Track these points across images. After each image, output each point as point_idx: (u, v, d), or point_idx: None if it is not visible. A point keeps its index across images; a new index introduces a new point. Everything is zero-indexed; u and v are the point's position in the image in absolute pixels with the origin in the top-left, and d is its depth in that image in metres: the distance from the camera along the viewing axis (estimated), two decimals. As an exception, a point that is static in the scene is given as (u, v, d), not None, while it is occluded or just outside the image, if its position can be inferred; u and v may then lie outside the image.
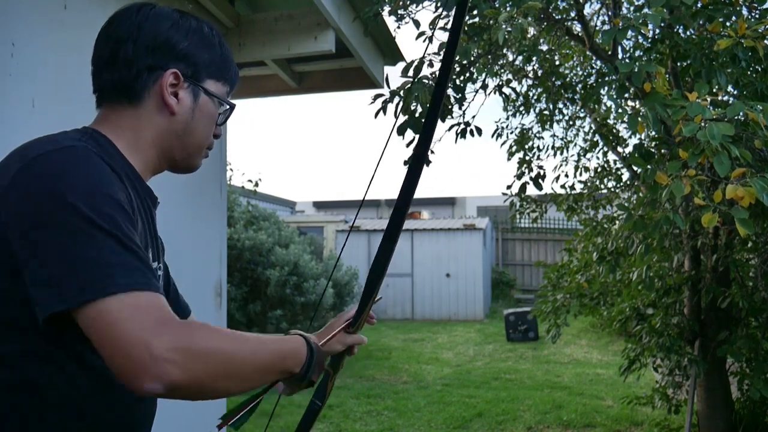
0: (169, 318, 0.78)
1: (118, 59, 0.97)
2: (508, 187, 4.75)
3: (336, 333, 1.17)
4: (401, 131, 3.28)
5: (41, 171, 0.82)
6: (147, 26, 0.98)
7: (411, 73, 3.08)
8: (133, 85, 0.98)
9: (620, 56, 3.10)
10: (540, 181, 4.52)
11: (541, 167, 4.77)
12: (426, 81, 3.11)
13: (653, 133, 2.96)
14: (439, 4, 3.02)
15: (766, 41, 2.31)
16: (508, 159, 4.98)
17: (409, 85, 3.00)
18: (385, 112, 3.17)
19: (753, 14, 2.83)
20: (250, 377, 0.86)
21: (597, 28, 3.66)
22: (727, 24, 2.54)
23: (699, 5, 2.49)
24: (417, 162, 1.11)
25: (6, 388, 0.85)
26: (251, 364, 0.85)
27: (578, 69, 5.02)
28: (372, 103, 3.18)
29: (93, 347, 0.78)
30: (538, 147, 5.16)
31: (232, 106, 1.10)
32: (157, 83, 0.99)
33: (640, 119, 2.34)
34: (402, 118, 3.22)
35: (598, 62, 4.16)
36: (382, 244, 1.11)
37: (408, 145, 3.54)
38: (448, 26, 3.23)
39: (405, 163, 3.60)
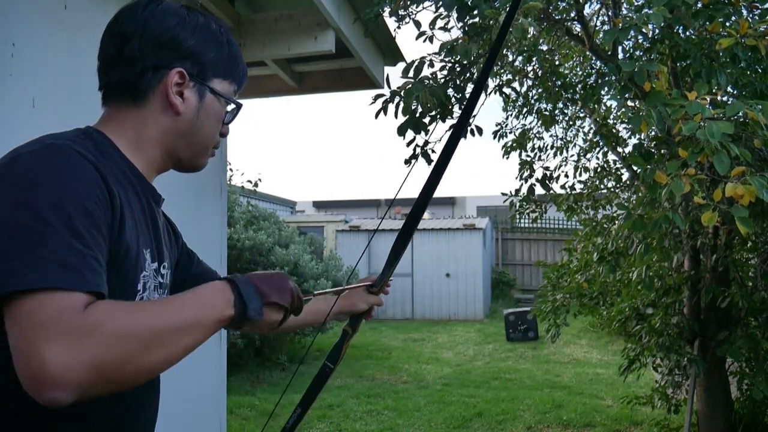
0: (70, 316, 0.71)
1: (124, 57, 0.96)
2: (517, 191, 4.73)
3: (358, 286, 1.30)
4: (401, 131, 3.29)
5: (14, 169, 0.80)
6: (153, 23, 0.96)
7: (411, 73, 3.08)
8: (137, 84, 0.97)
9: (620, 56, 3.10)
10: (547, 182, 4.51)
11: (547, 168, 4.76)
12: (426, 81, 3.11)
13: (654, 132, 2.96)
14: (439, 5, 3.02)
15: (766, 40, 2.31)
16: (503, 157, 4.97)
17: (409, 86, 3.01)
18: (385, 113, 3.17)
19: (753, 14, 2.83)
20: (177, 341, 0.78)
21: (597, 28, 3.67)
22: (728, 24, 2.54)
23: (699, 5, 2.49)
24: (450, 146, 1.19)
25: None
26: (169, 329, 0.77)
27: (578, 69, 5.03)
28: (372, 103, 3.19)
29: None
30: (539, 147, 5.16)
31: (239, 106, 1.08)
32: (162, 82, 0.97)
33: (642, 119, 2.34)
34: (402, 118, 3.22)
35: (598, 62, 4.16)
36: (413, 210, 1.21)
37: (408, 144, 3.54)
38: (449, 26, 3.24)
39: (405, 162, 3.61)
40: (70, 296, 0.72)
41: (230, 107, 1.06)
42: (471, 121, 3.59)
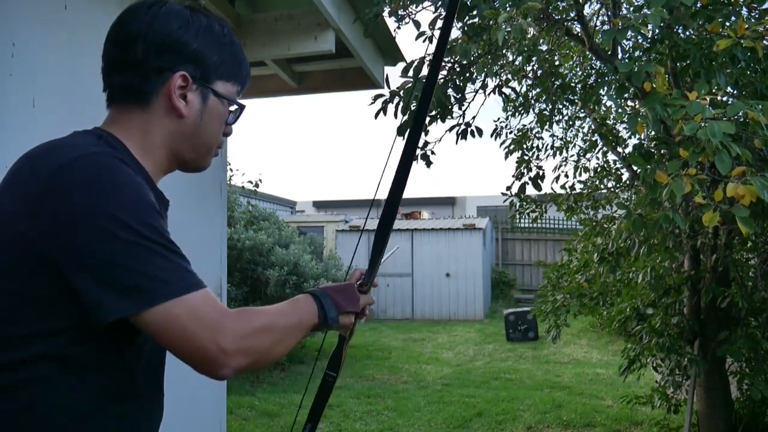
0: (223, 312, 0.89)
1: (127, 60, 0.96)
2: (508, 188, 4.75)
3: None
4: (401, 131, 3.28)
5: (81, 180, 0.84)
6: (157, 25, 0.96)
7: (411, 73, 3.08)
8: (141, 87, 0.97)
9: (620, 56, 3.10)
10: (539, 181, 4.52)
11: (540, 167, 4.77)
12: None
13: (653, 132, 2.96)
14: (438, 5, 3.02)
15: (765, 41, 2.31)
16: (506, 158, 4.98)
17: (408, 85, 3.01)
18: (385, 113, 3.17)
19: (753, 14, 2.83)
20: (288, 340, 0.99)
21: (597, 28, 3.66)
22: (727, 24, 2.54)
23: (699, 5, 2.49)
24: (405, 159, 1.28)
25: (10, 397, 0.85)
26: (286, 330, 0.99)
27: (578, 69, 5.02)
28: (372, 103, 3.19)
29: (108, 360, 0.89)
30: (537, 147, 5.16)
31: (242, 107, 1.09)
32: (166, 85, 0.97)
33: (639, 119, 2.34)
34: (402, 118, 3.22)
35: (598, 62, 4.16)
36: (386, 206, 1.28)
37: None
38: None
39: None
40: (208, 294, 0.89)
41: (233, 108, 1.07)
42: (463, 121, 3.59)
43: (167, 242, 0.87)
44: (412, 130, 1.28)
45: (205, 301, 0.87)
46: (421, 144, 3.54)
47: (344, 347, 1.26)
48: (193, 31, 0.99)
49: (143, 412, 0.99)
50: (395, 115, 3.16)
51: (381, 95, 3.18)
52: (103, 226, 0.82)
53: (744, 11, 2.77)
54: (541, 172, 4.67)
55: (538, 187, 4.48)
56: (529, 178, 4.61)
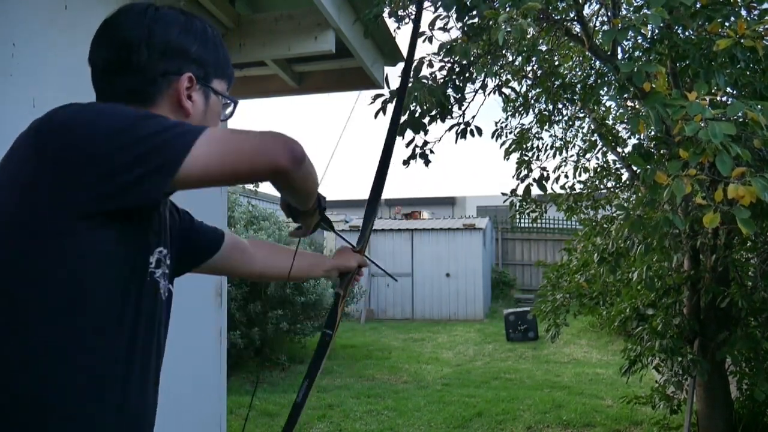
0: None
1: (132, 66, 0.99)
2: (512, 191, 4.74)
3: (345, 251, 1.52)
4: (401, 131, 3.28)
5: (75, 110, 0.89)
6: (158, 31, 1.00)
7: (411, 73, 3.07)
8: (147, 90, 1.00)
9: (620, 57, 3.10)
10: (544, 182, 4.52)
11: (544, 168, 4.77)
12: (425, 81, 3.11)
13: (653, 132, 2.96)
14: (438, 5, 3.02)
15: (765, 41, 2.31)
16: (505, 158, 4.98)
17: (408, 85, 3.00)
18: (384, 113, 3.18)
19: (752, 14, 2.83)
20: (313, 178, 1.03)
21: (596, 28, 3.66)
22: (726, 24, 2.54)
23: (698, 5, 2.49)
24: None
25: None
26: (314, 175, 1.03)
27: (578, 69, 5.02)
28: (372, 103, 3.19)
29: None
30: (537, 147, 5.16)
31: (236, 102, 1.15)
32: (172, 86, 1.01)
33: (640, 119, 2.34)
34: (401, 118, 3.22)
35: (598, 62, 4.15)
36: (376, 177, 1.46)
37: (407, 145, 3.54)
38: (448, 26, 3.24)
39: (404, 163, 3.61)
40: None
41: (227, 104, 1.13)
42: (463, 120, 3.59)
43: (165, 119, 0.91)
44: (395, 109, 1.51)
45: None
46: (420, 143, 3.54)
47: (340, 305, 1.33)
48: (192, 35, 1.04)
49: (131, 414, 0.96)
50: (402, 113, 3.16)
51: (381, 95, 3.19)
52: (103, 128, 0.86)
53: (743, 12, 2.77)
54: (545, 173, 4.67)
55: (543, 189, 4.48)
56: (534, 179, 4.61)
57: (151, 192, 0.86)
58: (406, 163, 3.59)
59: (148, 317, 0.97)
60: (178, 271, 1.20)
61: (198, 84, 1.04)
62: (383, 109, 3.18)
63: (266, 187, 15.05)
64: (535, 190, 4.59)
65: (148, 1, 1.05)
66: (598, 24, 3.64)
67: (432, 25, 3.21)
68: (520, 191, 4.66)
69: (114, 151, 0.84)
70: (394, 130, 1.49)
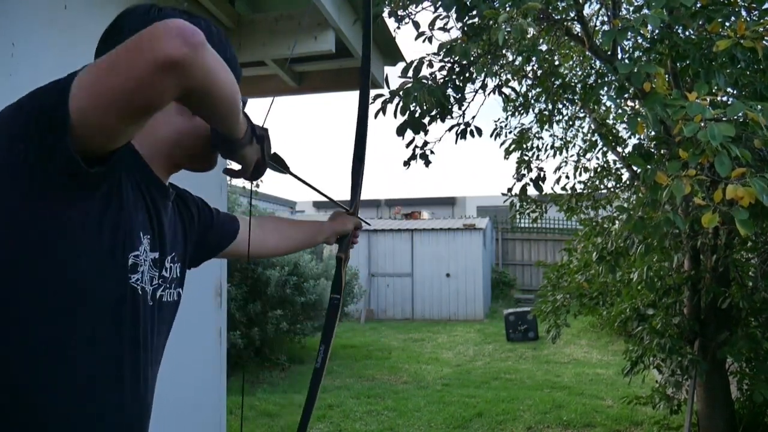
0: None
1: None
2: (509, 189, 4.76)
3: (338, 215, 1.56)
4: (401, 131, 3.29)
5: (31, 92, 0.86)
6: None
7: (410, 73, 3.08)
8: None
9: (620, 57, 3.10)
10: (540, 182, 4.52)
11: (541, 168, 4.77)
12: (425, 81, 3.11)
13: (653, 133, 2.96)
14: (438, 5, 3.02)
15: (765, 42, 2.31)
16: (505, 158, 4.99)
17: (408, 86, 3.00)
18: (384, 113, 3.18)
19: (752, 15, 2.83)
20: (221, 77, 0.83)
21: (596, 28, 3.66)
22: (727, 24, 2.54)
23: (698, 6, 2.49)
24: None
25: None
26: (225, 75, 0.84)
27: (578, 69, 5.03)
28: (372, 103, 3.18)
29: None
30: (537, 147, 5.16)
31: (245, 101, 1.11)
32: None
33: (639, 119, 2.34)
34: (402, 118, 3.22)
35: (598, 62, 4.16)
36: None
37: (408, 146, 3.54)
38: (447, 26, 3.24)
39: (405, 164, 3.61)
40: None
41: None
42: (463, 121, 3.59)
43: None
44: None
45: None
46: (420, 143, 3.54)
47: (342, 269, 1.38)
48: None
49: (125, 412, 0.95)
50: (395, 115, 3.16)
51: (380, 95, 3.19)
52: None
53: (743, 12, 2.77)
54: (542, 174, 4.68)
55: (539, 189, 4.49)
56: (531, 179, 4.61)
57: (56, 152, 0.77)
58: (406, 164, 3.59)
59: (145, 320, 0.96)
60: (195, 261, 1.24)
61: None
62: (383, 109, 3.18)
63: (266, 188, 15.06)
64: (534, 190, 4.60)
65: (151, 3, 1.04)
66: (598, 24, 3.65)
67: (432, 25, 3.21)
68: (516, 190, 4.66)
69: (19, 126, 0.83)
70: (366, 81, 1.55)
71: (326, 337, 1.37)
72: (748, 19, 2.73)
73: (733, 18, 2.51)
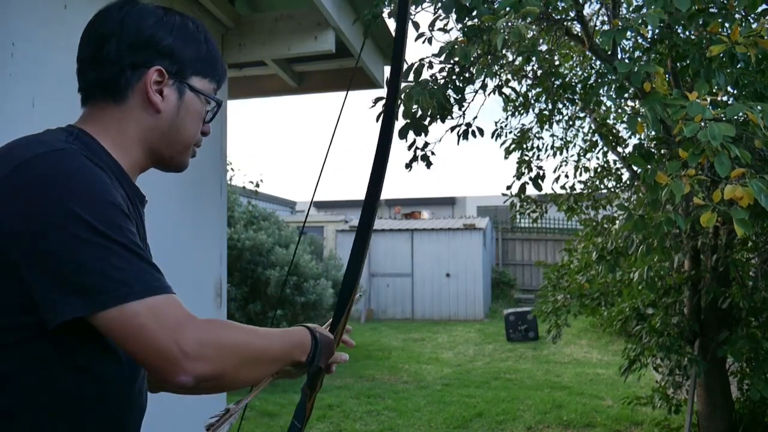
0: (189, 315, 0.83)
1: (102, 57, 0.97)
2: (508, 187, 4.76)
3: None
4: (403, 134, 3.28)
5: (37, 175, 0.82)
6: (130, 22, 0.97)
7: (411, 76, 3.07)
8: (117, 83, 0.97)
9: (619, 56, 3.10)
10: (539, 181, 4.52)
11: (540, 167, 4.77)
12: (427, 84, 3.11)
13: (653, 133, 2.96)
14: (438, 6, 3.02)
15: (759, 45, 2.31)
16: (506, 157, 4.99)
17: (409, 89, 3.00)
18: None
19: (747, 19, 2.82)
20: (266, 366, 0.92)
21: (596, 28, 3.66)
22: (726, 25, 2.54)
23: (695, 9, 2.49)
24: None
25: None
26: (266, 354, 0.92)
27: (578, 69, 5.02)
28: (373, 106, 3.18)
29: (89, 353, 0.86)
30: (537, 147, 5.16)
31: (219, 103, 1.09)
32: (142, 81, 0.97)
33: (639, 119, 2.34)
34: (403, 120, 3.22)
35: (598, 62, 4.15)
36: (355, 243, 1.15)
37: (409, 148, 3.54)
38: (447, 27, 3.24)
39: (406, 167, 3.61)
40: (175, 299, 0.83)
41: (210, 105, 1.07)
42: (464, 121, 3.59)
43: (129, 243, 0.82)
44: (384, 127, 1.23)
45: (169, 304, 0.82)
46: (420, 144, 3.54)
47: (309, 402, 1.12)
48: (167, 27, 0.99)
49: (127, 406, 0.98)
50: (395, 117, 3.15)
51: (381, 98, 3.18)
52: (59, 223, 0.79)
53: (737, 16, 2.76)
54: (541, 172, 4.68)
55: (538, 187, 4.49)
56: (530, 178, 4.61)
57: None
58: (408, 166, 3.59)
59: None
60: None
61: (171, 79, 0.99)
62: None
63: (266, 188, 15.06)
64: (534, 190, 4.59)
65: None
66: (598, 24, 3.64)
67: (432, 25, 3.21)
68: (515, 189, 4.66)
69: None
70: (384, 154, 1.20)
71: None
72: (742, 22, 2.72)
73: (727, 24, 2.51)
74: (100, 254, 0.79)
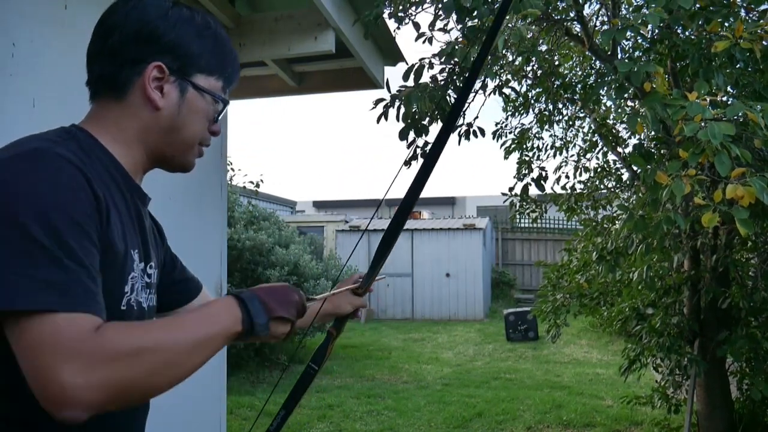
0: (88, 331, 0.73)
1: (105, 51, 0.95)
2: (510, 189, 4.76)
3: (343, 290, 1.32)
4: (403, 136, 3.29)
5: (7, 175, 0.78)
6: (134, 16, 0.94)
7: (411, 78, 3.08)
8: (117, 78, 0.94)
9: (619, 56, 3.10)
10: (542, 182, 4.52)
11: (543, 168, 4.77)
12: (428, 86, 3.11)
13: (653, 133, 2.96)
14: (438, 7, 3.02)
15: (764, 42, 2.31)
16: (505, 158, 5.00)
17: (409, 94, 3.01)
18: (386, 118, 3.18)
19: (751, 16, 2.83)
20: (187, 362, 0.81)
21: (596, 28, 3.66)
22: (726, 24, 2.54)
23: (697, 7, 2.49)
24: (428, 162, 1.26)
25: None
26: (181, 349, 0.80)
27: (578, 69, 5.02)
28: (373, 108, 3.19)
29: None
30: (537, 147, 5.16)
31: (225, 102, 1.03)
32: (142, 77, 0.94)
33: (639, 119, 2.34)
34: (403, 123, 3.22)
35: (598, 62, 4.16)
36: (396, 215, 1.26)
37: (409, 146, 3.54)
38: (448, 27, 3.24)
39: (405, 164, 3.61)
40: (77, 317, 0.73)
41: (217, 104, 1.02)
42: (465, 122, 3.59)
43: (64, 254, 0.74)
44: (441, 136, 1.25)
45: (72, 324, 0.72)
46: (421, 144, 3.54)
47: (330, 344, 1.20)
48: (171, 21, 0.95)
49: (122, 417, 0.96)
50: (397, 119, 3.16)
51: (382, 99, 3.19)
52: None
53: (742, 12, 2.77)
54: (543, 173, 4.67)
55: (541, 188, 4.49)
56: (532, 179, 4.61)
57: None
58: (407, 164, 3.59)
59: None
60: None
61: (172, 75, 0.95)
62: (385, 114, 3.18)
63: (267, 187, 15.06)
64: (535, 190, 4.60)
65: None
66: (598, 24, 3.64)
67: (432, 26, 3.21)
68: (518, 190, 4.66)
69: None
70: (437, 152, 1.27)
71: (290, 402, 1.24)
72: (748, 19, 2.73)
73: (731, 19, 2.51)
74: (22, 256, 0.73)
